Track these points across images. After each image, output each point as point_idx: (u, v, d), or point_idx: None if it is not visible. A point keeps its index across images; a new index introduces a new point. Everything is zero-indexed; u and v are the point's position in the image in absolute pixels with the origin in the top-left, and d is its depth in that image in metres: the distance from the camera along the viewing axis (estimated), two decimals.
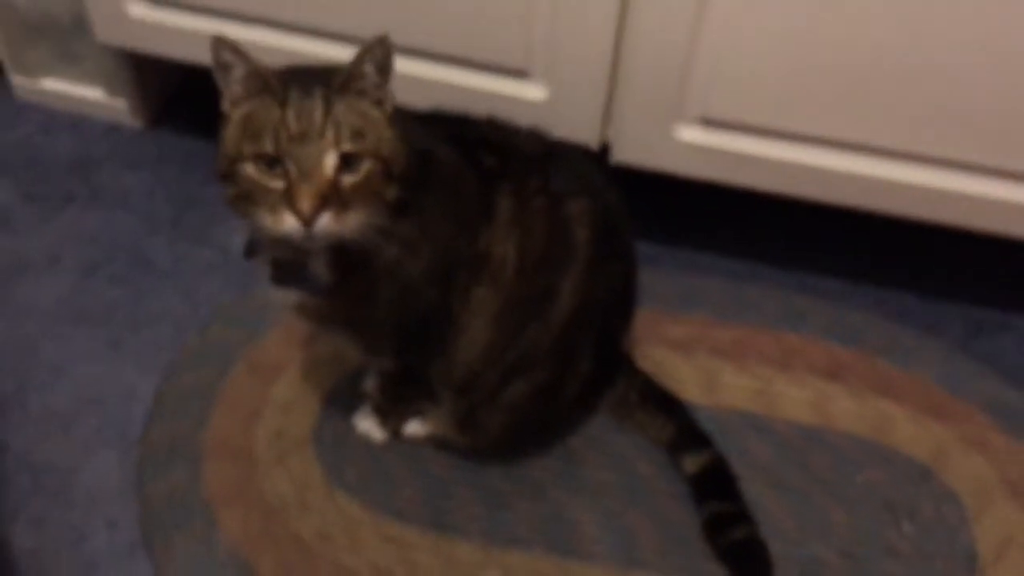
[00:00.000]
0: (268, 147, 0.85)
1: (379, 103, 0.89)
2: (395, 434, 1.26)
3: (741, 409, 1.33)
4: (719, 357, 1.39)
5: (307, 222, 0.84)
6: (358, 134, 0.86)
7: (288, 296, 0.99)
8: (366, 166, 0.86)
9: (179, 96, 1.71)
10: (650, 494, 1.23)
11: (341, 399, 1.31)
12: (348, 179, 0.86)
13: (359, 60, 0.86)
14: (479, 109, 1.11)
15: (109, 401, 1.30)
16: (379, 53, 0.87)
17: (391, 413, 1.24)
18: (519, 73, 1.30)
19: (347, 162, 0.85)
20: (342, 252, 0.92)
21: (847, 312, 1.45)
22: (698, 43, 1.19)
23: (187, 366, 1.33)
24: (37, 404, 1.29)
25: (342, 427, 1.28)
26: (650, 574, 1.15)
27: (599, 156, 1.32)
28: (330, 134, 0.85)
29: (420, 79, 1.31)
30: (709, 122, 1.27)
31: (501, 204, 1.00)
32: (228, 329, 1.38)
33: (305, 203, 0.83)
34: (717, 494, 1.18)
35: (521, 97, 1.31)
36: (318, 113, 0.85)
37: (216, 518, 1.18)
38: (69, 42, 1.61)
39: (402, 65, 1.30)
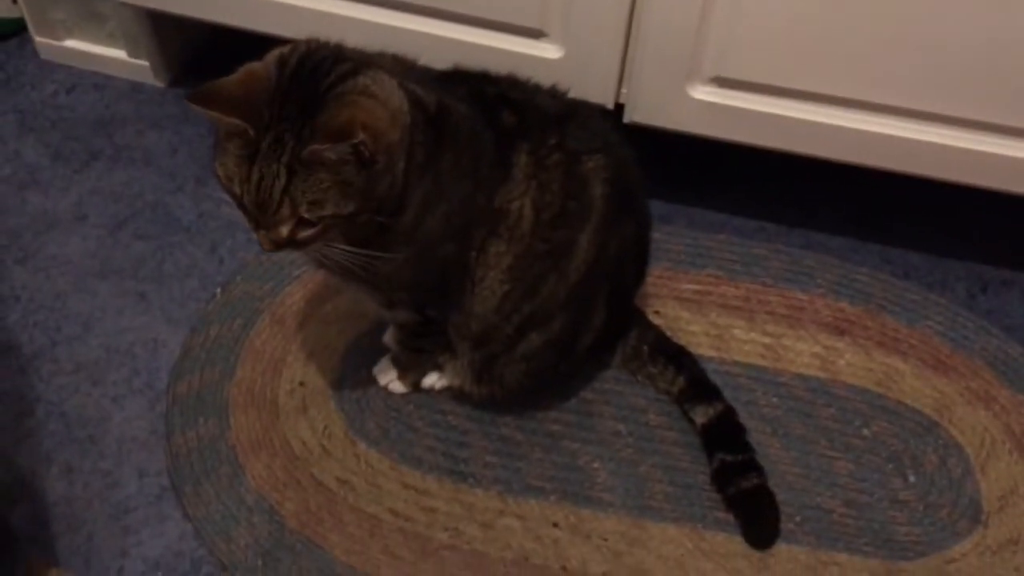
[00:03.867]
0: (236, 191, 0.90)
1: (359, 169, 0.88)
2: (414, 386, 1.30)
3: (750, 363, 1.36)
4: (729, 313, 1.42)
5: (272, 250, 0.93)
6: (316, 204, 0.88)
7: (306, 253, 1.02)
8: (326, 223, 0.91)
9: (200, 55, 1.73)
10: (661, 444, 1.27)
11: (362, 351, 1.35)
12: (306, 233, 0.91)
13: (332, 149, 0.86)
14: (496, 68, 1.13)
15: (137, 353, 1.34)
16: (363, 148, 0.87)
17: (410, 365, 1.28)
18: (535, 32, 1.32)
19: (306, 222, 0.90)
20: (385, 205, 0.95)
21: (853, 270, 1.48)
22: (713, 3, 1.21)
23: (213, 319, 1.37)
24: (67, 356, 1.33)
25: (363, 379, 1.32)
26: (661, 521, 1.20)
27: (614, 115, 1.35)
28: (285, 210, 0.89)
29: (437, 38, 1.33)
30: (723, 82, 1.29)
31: (518, 161, 1.03)
32: (252, 283, 1.42)
33: (265, 244, 0.92)
34: (726, 445, 1.22)
35: (537, 56, 1.33)
36: (277, 188, 0.87)
37: (242, 465, 1.22)
38: (92, 2, 1.63)
39: (420, 25, 1.35)
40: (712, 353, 1.37)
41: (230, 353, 1.34)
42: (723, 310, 1.42)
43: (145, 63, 1.68)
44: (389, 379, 1.29)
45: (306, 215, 0.89)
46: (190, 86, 1.73)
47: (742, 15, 1.21)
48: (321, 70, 0.91)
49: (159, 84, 1.71)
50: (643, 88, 1.32)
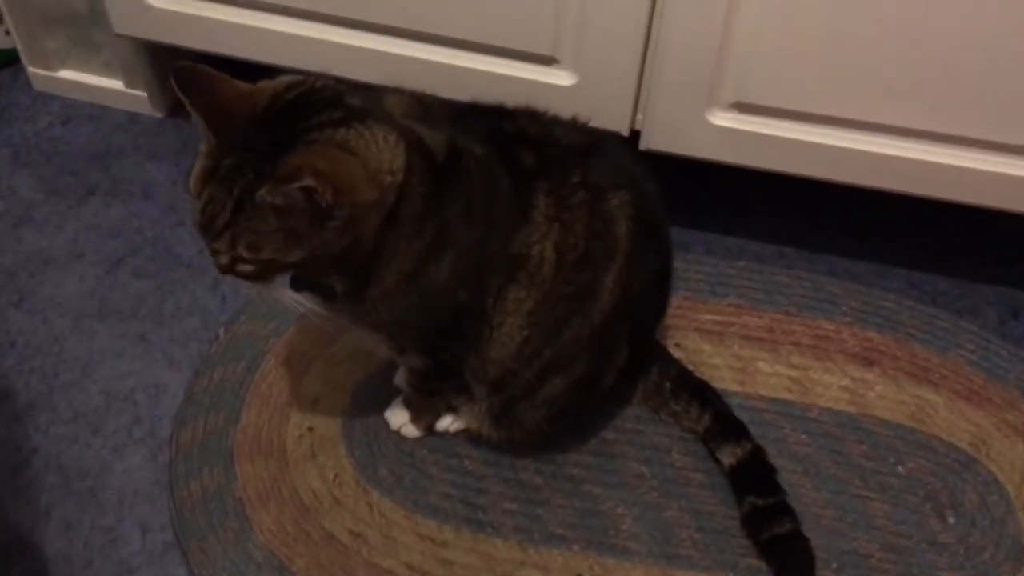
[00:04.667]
0: (192, 207, 0.88)
1: (312, 220, 0.84)
2: (428, 429, 1.24)
3: (776, 398, 1.31)
4: (752, 345, 1.37)
5: (222, 273, 0.90)
6: (254, 246, 0.85)
7: (308, 300, 0.97)
8: (265, 266, 0.87)
9: None
10: (687, 486, 1.21)
11: (372, 393, 1.29)
12: (245, 268, 0.88)
13: (279, 190, 0.82)
14: (506, 96, 1.08)
15: (138, 399, 1.29)
16: (317, 197, 0.81)
17: (424, 408, 1.22)
18: (547, 59, 1.27)
19: (244, 258, 0.87)
20: (347, 263, 0.90)
21: (880, 296, 1.43)
22: (734, 27, 1.16)
23: (216, 361, 1.32)
24: (65, 404, 1.28)
25: (373, 422, 1.27)
26: (690, 570, 1.14)
27: (631, 144, 1.30)
28: (224, 242, 0.85)
29: (447, 67, 1.28)
30: (743, 107, 1.24)
31: (538, 203, 0.98)
32: (256, 322, 1.37)
33: (215, 265, 0.90)
34: (757, 487, 1.17)
35: (549, 83, 1.28)
36: (221, 218, 0.84)
37: (249, 518, 1.17)
38: (87, 32, 1.58)
39: (429, 53, 1.30)
40: (736, 387, 1.32)
41: (235, 397, 1.28)
42: (746, 341, 1.37)
43: (142, 93, 1.63)
44: (401, 423, 1.24)
45: (243, 254, 0.86)
46: (188, 117, 1.69)
47: (763, 39, 1.17)
48: (310, 111, 0.87)
49: (157, 114, 1.66)
50: (660, 115, 1.27)
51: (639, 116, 1.29)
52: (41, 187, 1.54)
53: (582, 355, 1.07)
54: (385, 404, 1.27)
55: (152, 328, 1.37)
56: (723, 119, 1.25)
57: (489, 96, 1.04)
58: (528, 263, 0.99)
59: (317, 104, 0.87)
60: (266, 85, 0.89)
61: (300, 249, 0.85)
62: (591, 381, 1.11)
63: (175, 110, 1.66)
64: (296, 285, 0.95)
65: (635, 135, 1.33)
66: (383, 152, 0.87)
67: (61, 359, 1.33)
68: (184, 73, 0.84)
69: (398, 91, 0.97)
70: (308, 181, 0.80)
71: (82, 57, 1.63)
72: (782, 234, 1.51)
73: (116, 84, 1.63)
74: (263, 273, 0.89)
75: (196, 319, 1.38)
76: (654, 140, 1.30)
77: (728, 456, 1.20)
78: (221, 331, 1.36)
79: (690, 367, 1.30)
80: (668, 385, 1.25)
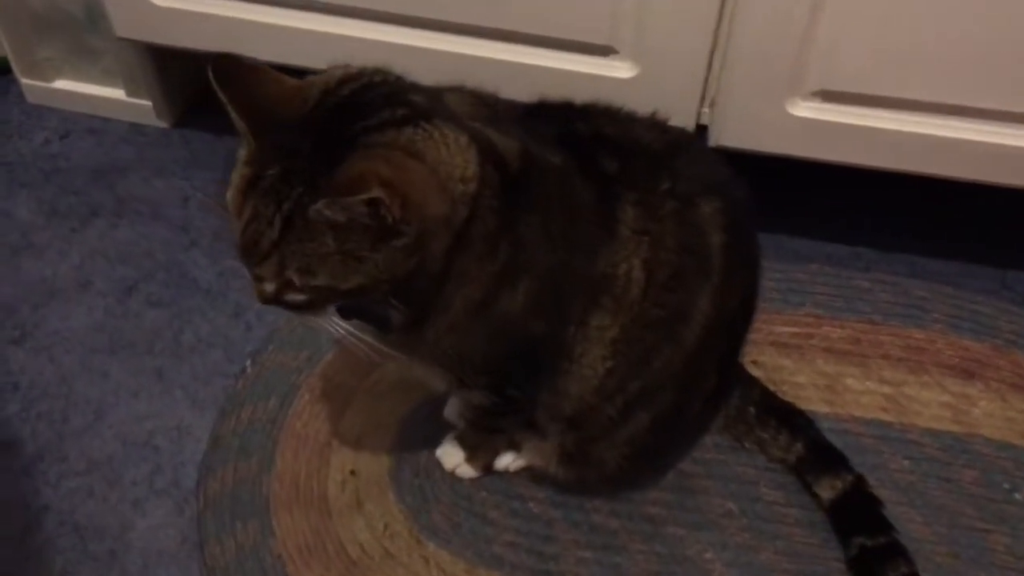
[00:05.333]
0: (231, 222, 0.76)
1: (376, 241, 0.72)
2: (486, 469, 1.11)
3: (871, 419, 1.18)
4: (837, 359, 1.24)
5: (263, 304, 0.78)
6: (307, 271, 0.73)
7: (358, 330, 0.84)
8: (318, 295, 0.76)
9: (208, 91, 1.53)
10: (782, 524, 1.08)
11: (419, 428, 1.16)
12: (294, 297, 0.76)
13: (340, 204, 0.69)
14: (561, 91, 0.94)
15: (159, 444, 1.16)
16: (383, 211, 0.69)
17: (481, 447, 1.09)
18: (604, 50, 1.14)
19: (293, 285, 0.75)
20: (409, 290, 0.77)
21: (971, 299, 1.30)
22: (823, 4, 1.02)
23: (244, 398, 1.19)
24: (77, 453, 1.14)
25: (424, 462, 1.13)
26: None
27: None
28: (271, 266, 0.73)
29: (489, 62, 1.15)
30: (828, 95, 1.11)
31: (624, 215, 0.84)
32: (286, 352, 1.23)
33: (255, 292, 0.78)
34: (863, 525, 1.03)
35: (606, 76, 1.16)
36: (267, 238, 0.72)
37: None
38: (84, 37, 1.46)
39: (472, 48, 1.16)
40: (824, 408, 1.18)
41: (267, 439, 1.15)
42: (830, 355, 1.24)
43: (146, 102, 1.51)
44: (456, 463, 1.11)
45: (294, 280, 0.74)
46: (198, 125, 1.59)
47: (856, 17, 1.04)
48: (368, 109, 0.74)
49: (163, 125, 1.53)
50: (732, 107, 1.14)
51: (704, 110, 1.16)
52: (40, 210, 1.41)
53: (670, 386, 0.94)
54: (435, 440, 1.14)
55: (170, 363, 1.23)
56: (805, 109, 1.12)
57: (538, 93, 0.90)
58: (614, 285, 0.85)
59: (376, 101, 0.74)
60: (315, 80, 0.76)
61: (359, 274, 0.73)
62: (679, 415, 0.98)
63: (182, 120, 1.54)
64: (344, 313, 0.82)
65: (699, 131, 1.19)
66: (454, 157, 0.74)
67: (71, 402, 1.19)
68: (223, 65, 0.72)
69: (458, 89, 0.83)
70: (375, 192, 0.67)
71: (80, 65, 1.51)
72: (856, 233, 1.38)
73: (117, 93, 1.52)
74: (315, 303, 0.77)
75: (219, 351, 1.24)
76: (724, 135, 1.17)
77: (827, 489, 1.07)
78: (248, 363, 1.22)
79: (771, 387, 1.17)
80: (752, 410, 1.12)
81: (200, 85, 1.55)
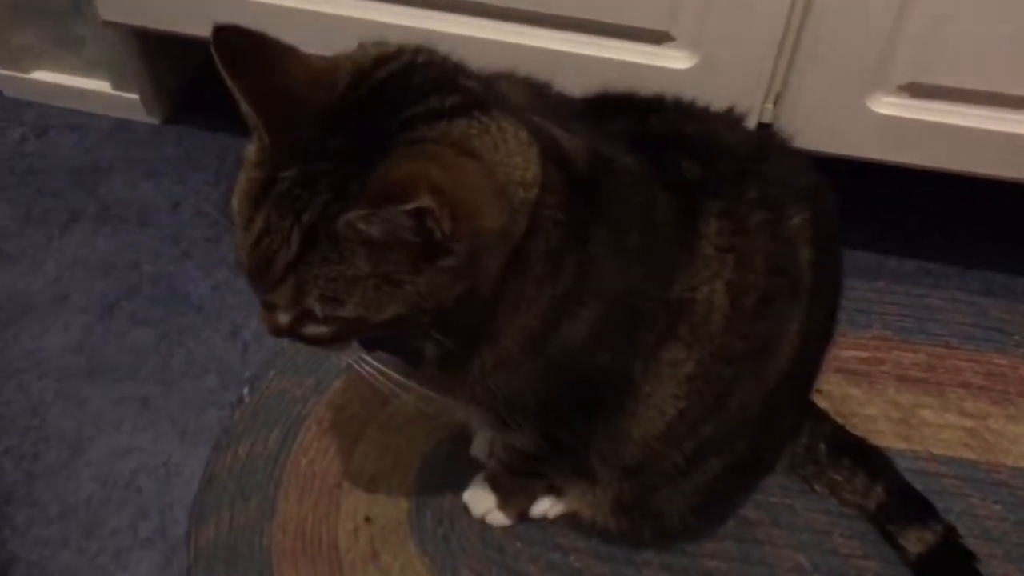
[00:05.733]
0: (236, 236, 0.61)
1: (420, 261, 0.58)
2: (520, 517, 0.97)
3: (953, 457, 1.05)
4: (910, 387, 1.10)
5: (274, 336, 0.64)
6: (332, 300, 0.59)
7: (383, 364, 0.70)
8: (344, 328, 0.62)
9: (202, 83, 1.42)
10: None
11: (443, 466, 1.02)
12: (314, 330, 0.63)
13: (379, 216, 0.55)
14: (603, 83, 0.80)
15: (143, 485, 1.01)
16: (431, 224, 0.55)
17: (517, 491, 0.95)
18: (659, 36, 1.01)
19: (313, 316, 0.61)
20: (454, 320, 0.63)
21: None
22: None
23: (241, 431, 1.04)
24: (50, 495, 1.00)
25: (448, 506, 0.99)
26: None
27: None
28: (286, 293, 0.59)
29: (533, 49, 1.01)
30: (916, 89, 0.98)
31: (707, 229, 0.71)
32: (290, 377, 1.09)
33: (263, 324, 0.64)
34: None
35: (659, 67, 1.02)
36: (282, 257, 0.58)
37: None
38: (65, 24, 1.33)
39: (512, 35, 1.02)
40: (900, 444, 1.05)
41: (268, 479, 1.00)
42: (902, 384, 1.11)
43: (134, 96, 1.38)
44: (486, 509, 0.97)
45: (315, 309, 0.59)
46: (191, 121, 1.45)
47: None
48: (411, 96, 0.60)
49: (152, 121, 1.40)
50: (803, 103, 1.01)
51: (767, 106, 1.02)
52: (15, 214, 1.27)
53: (748, 429, 0.80)
54: (461, 480, 1.00)
55: (158, 390, 1.09)
56: (888, 105, 0.99)
57: (580, 85, 0.76)
58: (692, 312, 0.71)
59: (421, 86, 0.60)
60: (344, 60, 0.62)
61: (397, 302, 0.59)
62: (755, 460, 0.84)
63: (174, 116, 1.40)
64: (367, 344, 0.68)
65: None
66: (514, 156, 0.60)
67: (43, 435, 1.05)
68: (228, 38, 0.58)
69: (509, 77, 0.69)
70: (423, 200, 0.53)
71: (60, 55, 1.38)
72: (924, 246, 1.24)
73: (102, 86, 1.39)
74: (340, 336, 0.63)
75: (213, 376, 1.10)
76: (792, 135, 1.03)
77: (914, 543, 0.94)
78: (245, 391, 1.08)
79: (839, 420, 1.03)
80: (823, 447, 0.99)
81: (194, 76, 1.43)
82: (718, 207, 0.71)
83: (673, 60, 1.01)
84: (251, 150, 0.60)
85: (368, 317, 0.59)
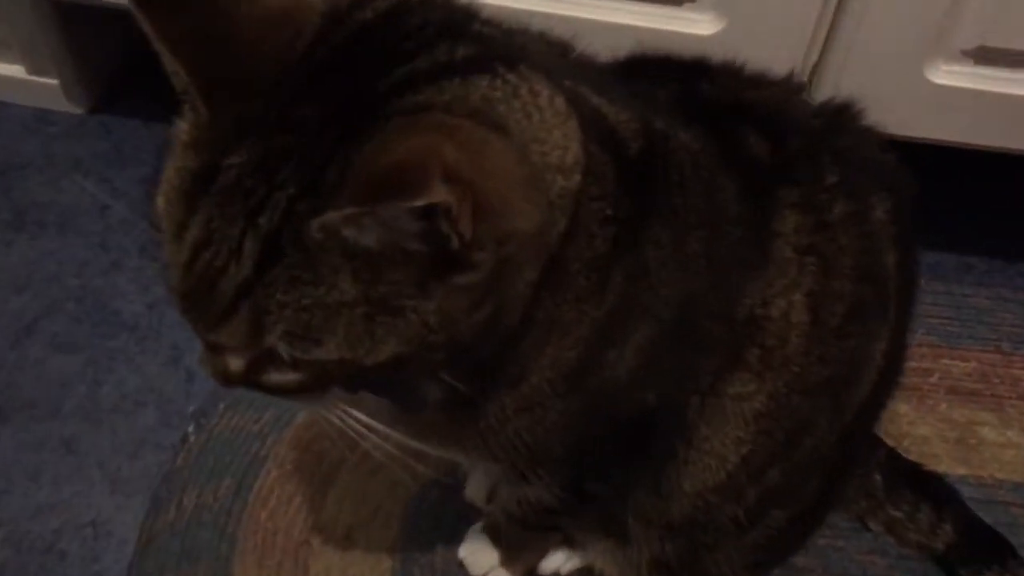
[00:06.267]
0: (164, 256, 0.45)
1: (429, 276, 0.42)
2: (528, 573, 0.81)
3: (1021, 481, 0.91)
4: (965, 402, 0.98)
5: (222, 384, 0.48)
6: (305, 335, 0.43)
7: (370, 408, 0.53)
8: (320, 372, 0.46)
9: (134, 66, 1.25)
10: None
11: (431, 515, 0.87)
12: (277, 377, 0.47)
13: (375, 217, 0.39)
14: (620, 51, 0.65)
15: (67, 548, 0.85)
16: (443, 226, 0.39)
17: (525, 546, 0.79)
18: None
19: (277, 359, 0.45)
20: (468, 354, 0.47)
21: None
22: None
23: (186, 479, 0.88)
24: None
25: (440, 563, 0.84)
26: None
27: None
28: (238, 326, 0.43)
29: (528, 14, 0.84)
30: (984, 55, 0.83)
31: (783, 225, 0.55)
32: (242, 412, 0.93)
33: (208, 369, 0.48)
34: None
35: (679, 32, 0.87)
36: (230, 277, 0.42)
37: None
38: None
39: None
40: (959, 469, 0.93)
41: (220, 538, 0.84)
42: (955, 397, 0.97)
43: (53, 81, 1.22)
44: (488, 567, 0.82)
45: (281, 350, 0.44)
46: (121, 112, 1.27)
47: None
48: (407, 45, 0.44)
49: (75, 110, 1.24)
50: (849, 74, 0.87)
51: (813, 78, 0.88)
52: None
53: (819, 471, 0.65)
54: (455, 530, 0.85)
55: (84, 430, 0.93)
56: (950, 75, 0.85)
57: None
58: (765, 333, 0.56)
59: (422, 31, 0.44)
60: None
61: (395, 336, 0.43)
62: (823, 507, 0.69)
63: (102, 103, 1.24)
64: (350, 386, 0.51)
65: None
66: (552, 130, 0.45)
67: None
68: None
69: (524, 31, 0.53)
70: (437, 194, 0.36)
71: None
72: (962, 238, 1.12)
73: (15, 70, 1.23)
74: (315, 384, 0.46)
75: (151, 412, 0.94)
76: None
77: None
78: (190, 429, 0.91)
79: (889, 442, 0.89)
80: (878, 479, 0.85)
81: (124, 56, 1.27)
82: (794, 196, 0.56)
83: (696, 24, 0.86)
84: (182, 128, 0.44)
85: (356, 359, 0.43)
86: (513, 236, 0.42)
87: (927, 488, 0.85)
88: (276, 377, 0.45)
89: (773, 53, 0.83)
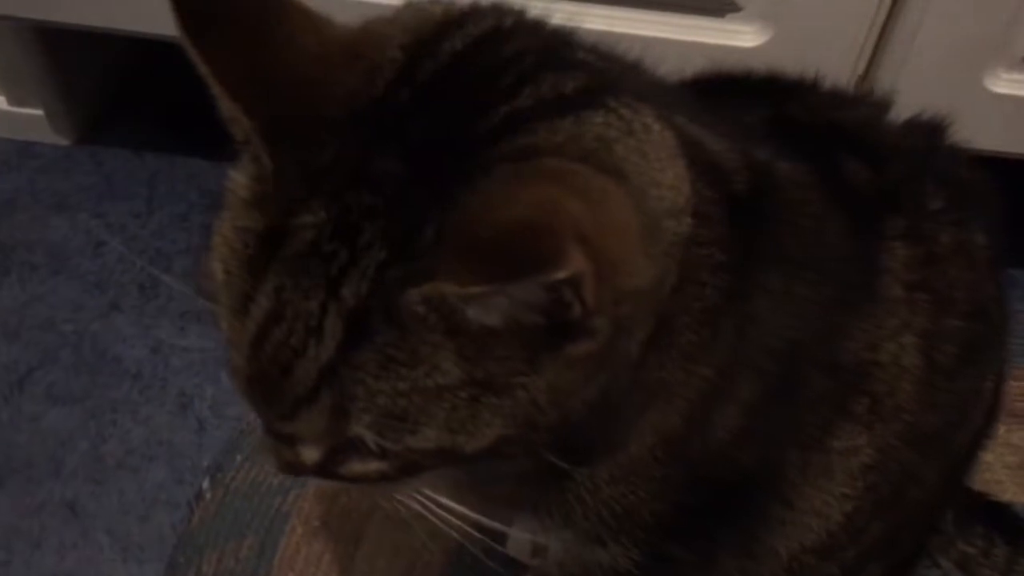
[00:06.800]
0: (221, 320, 0.39)
1: (541, 350, 0.36)
2: None
3: None
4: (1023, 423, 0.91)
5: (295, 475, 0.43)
6: (398, 426, 0.37)
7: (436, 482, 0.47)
8: (412, 460, 0.40)
9: (123, 94, 1.18)
10: None
11: (474, 569, 0.79)
12: (360, 467, 0.41)
13: (490, 297, 0.34)
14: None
15: None
16: (568, 297, 0.34)
17: None
18: (721, 7, 0.80)
19: (363, 448, 0.39)
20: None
21: None
22: None
23: (203, 540, 0.81)
24: None
25: None
26: None
27: None
28: (314, 420, 0.38)
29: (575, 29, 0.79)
30: None
31: (891, 261, 0.50)
32: (260, 463, 0.86)
33: (273, 461, 0.43)
34: None
35: (721, 44, 0.81)
36: (309, 361, 0.36)
37: None
38: None
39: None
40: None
41: None
42: (1013, 420, 0.93)
43: (37, 111, 1.14)
44: None
45: (366, 439, 0.38)
46: (110, 142, 1.19)
47: None
48: (506, 78, 0.38)
49: (62, 142, 1.16)
50: (903, 86, 0.80)
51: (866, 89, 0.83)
52: None
53: (920, 520, 0.60)
54: None
55: (87, 491, 0.85)
56: (1011, 83, 0.80)
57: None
58: (874, 380, 0.51)
59: (521, 62, 0.38)
60: (387, 25, 0.39)
61: (503, 418, 0.37)
62: (920, 552, 0.64)
63: (89, 133, 1.15)
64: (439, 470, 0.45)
65: None
66: (665, 170, 0.39)
67: None
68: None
69: (617, 56, 0.47)
70: (575, 263, 0.31)
71: None
72: (1010, 253, 1.06)
73: None
74: (401, 473, 0.40)
75: (160, 467, 0.87)
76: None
77: None
78: (205, 484, 0.84)
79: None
80: (948, 512, 0.79)
81: (111, 89, 1.18)
82: (901, 227, 0.51)
83: (739, 37, 0.80)
84: (238, 181, 0.37)
85: (455, 447, 0.36)
86: (630, 296, 0.36)
87: (999, 520, 0.80)
88: (357, 467, 0.39)
89: (820, 65, 0.78)
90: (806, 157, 0.49)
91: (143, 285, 0.99)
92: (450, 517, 0.46)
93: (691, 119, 0.45)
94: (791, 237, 0.45)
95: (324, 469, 0.40)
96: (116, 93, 1.17)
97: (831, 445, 0.51)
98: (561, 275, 0.30)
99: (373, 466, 0.39)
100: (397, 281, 0.34)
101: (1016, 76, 0.80)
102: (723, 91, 0.54)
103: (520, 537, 0.78)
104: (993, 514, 0.81)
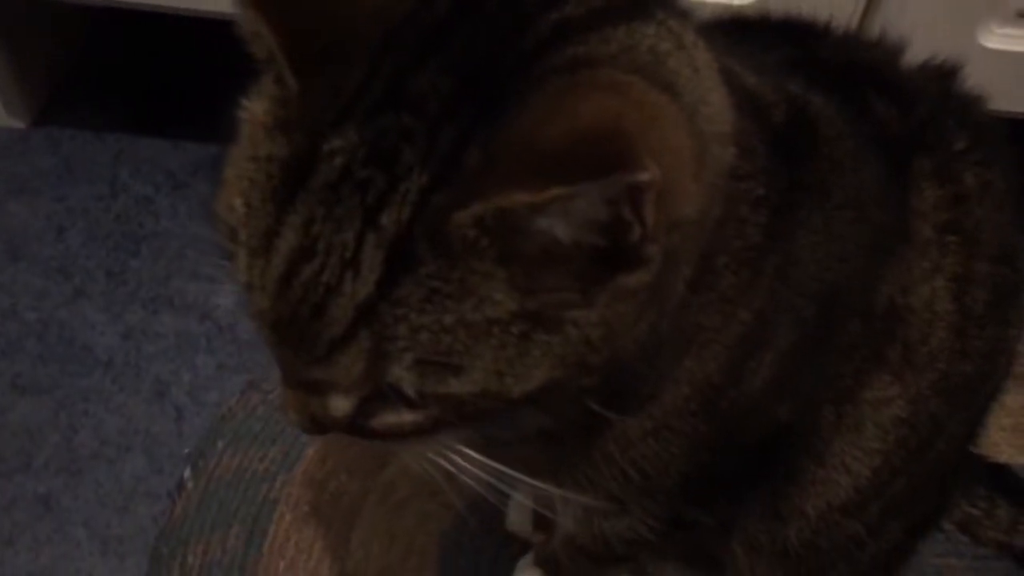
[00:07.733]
0: (236, 263, 0.35)
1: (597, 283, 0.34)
2: None
3: None
4: (1018, 385, 0.90)
5: (309, 432, 0.39)
6: (441, 367, 0.34)
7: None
8: (451, 409, 0.36)
9: (79, 75, 1.11)
10: None
11: (471, 547, 0.77)
12: (392, 418, 0.37)
13: (561, 204, 0.31)
14: None
15: None
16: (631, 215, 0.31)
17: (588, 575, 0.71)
18: None
19: (398, 397, 0.36)
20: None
21: None
22: None
23: (187, 531, 0.77)
24: None
25: None
26: None
27: None
28: (350, 364, 0.34)
29: None
30: None
31: (921, 201, 0.48)
32: (245, 449, 0.82)
33: (293, 416, 0.39)
34: None
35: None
36: (344, 296, 0.33)
37: None
38: None
39: None
40: (1021, 458, 0.86)
41: None
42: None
43: None
44: None
45: (405, 387, 0.34)
46: (68, 123, 1.14)
47: None
48: None
49: (17, 124, 1.10)
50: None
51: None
52: None
53: (940, 475, 0.58)
54: (497, 565, 0.75)
55: (62, 485, 0.81)
56: (1004, 39, 0.78)
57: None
58: (907, 326, 0.49)
59: None
60: None
61: (552, 357, 0.34)
62: (938, 514, 0.62)
63: (46, 114, 1.09)
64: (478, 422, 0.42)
65: None
66: (712, 91, 0.37)
67: None
68: None
69: None
70: (649, 167, 0.28)
71: None
72: None
73: None
74: (435, 426, 0.37)
75: (138, 457, 0.82)
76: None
77: None
78: (186, 474, 0.80)
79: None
80: (980, 490, 0.79)
81: (67, 69, 1.12)
82: (929, 167, 0.49)
83: None
84: (256, 108, 0.34)
85: (501, 390, 0.34)
86: (681, 225, 0.34)
87: (1001, 482, 0.80)
88: (391, 419, 0.36)
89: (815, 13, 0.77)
90: (835, 94, 0.47)
91: (110, 271, 0.94)
92: (481, 473, 0.43)
93: (724, 51, 0.43)
94: (830, 173, 0.43)
95: (353, 423, 0.37)
96: (72, 73, 1.12)
97: (863, 396, 0.49)
98: (643, 177, 0.28)
99: (408, 417, 0.36)
100: (443, 205, 0.31)
101: (1010, 31, 0.79)
102: (751, 29, 0.52)
103: (522, 515, 0.76)
104: (994, 476, 0.80)
